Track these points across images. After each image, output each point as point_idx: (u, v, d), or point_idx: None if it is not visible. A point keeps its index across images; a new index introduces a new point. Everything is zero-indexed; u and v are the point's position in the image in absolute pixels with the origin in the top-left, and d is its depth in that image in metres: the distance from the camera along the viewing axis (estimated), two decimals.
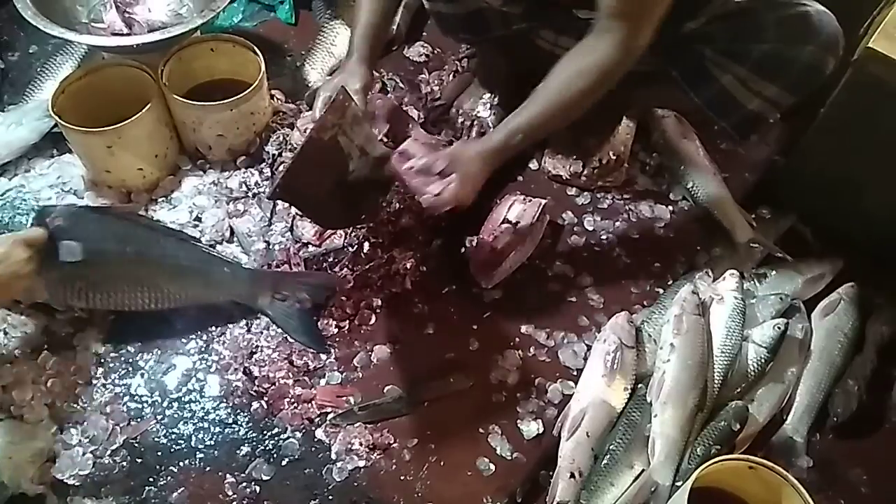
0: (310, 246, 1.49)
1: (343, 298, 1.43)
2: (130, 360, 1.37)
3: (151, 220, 1.49)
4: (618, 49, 1.20)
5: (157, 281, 1.36)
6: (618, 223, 1.62)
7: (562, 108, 1.26)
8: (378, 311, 1.45)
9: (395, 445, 1.30)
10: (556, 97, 1.25)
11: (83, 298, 1.34)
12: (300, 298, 1.40)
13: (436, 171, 1.24)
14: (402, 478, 1.28)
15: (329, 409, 1.33)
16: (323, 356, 1.39)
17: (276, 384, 1.34)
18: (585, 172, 1.64)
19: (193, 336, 1.40)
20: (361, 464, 1.28)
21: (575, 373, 1.39)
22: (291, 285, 1.41)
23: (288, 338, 1.39)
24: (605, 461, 1.26)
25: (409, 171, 1.25)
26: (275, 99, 1.70)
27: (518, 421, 1.34)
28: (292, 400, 1.33)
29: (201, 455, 1.28)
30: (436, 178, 1.24)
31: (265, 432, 1.31)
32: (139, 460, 1.27)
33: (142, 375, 1.35)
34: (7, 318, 1.36)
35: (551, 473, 1.27)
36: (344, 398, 1.34)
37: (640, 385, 1.35)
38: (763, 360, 1.35)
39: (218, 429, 1.31)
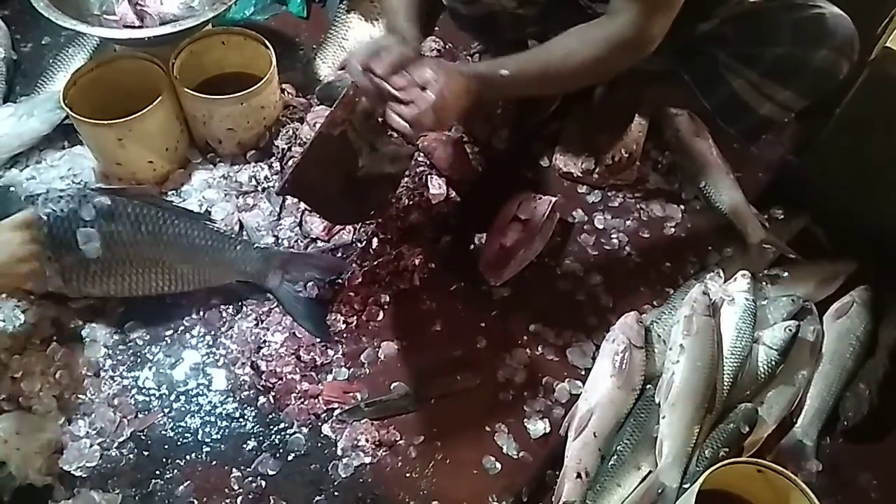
0: (318, 241, 1.49)
1: (351, 294, 1.43)
2: (138, 353, 1.37)
3: (164, 201, 1.50)
4: (629, 28, 1.15)
5: (170, 261, 1.36)
6: (629, 222, 1.61)
7: (557, 68, 1.19)
8: (386, 307, 1.44)
9: (401, 442, 1.30)
10: (557, 55, 1.19)
11: (98, 283, 1.34)
12: (309, 279, 1.40)
13: (414, 78, 1.10)
14: (407, 475, 1.28)
15: (336, 405, 1.33)
16: (330, 352, 1.38)
17: (284, 379, 1.34)
18: (597, 170, 1.63)
19: (201, 329, 1.40)
20: (367, 460, 1.28)
21: (583, 372, 1.39)
22: (301, 266, 1.41)
23: (296, 333, 1.39)
24: (611, 462, 1.25)
25: (385, 78, 1.10)
26: (285, 93, 1.69)
27: (525, 420, 1.34)
28: (299, 395, 1.33)
29: (208, 449, 1.28)
30: (412, 86, 1.10)
31: (272, 427, 1.31)
32: (146, 453, 1.27)
33: (150, 368, 1.36)
34: (16, 310, 1.37)
35: (557, 473, 1.26)
36: (351, 394, 1.34)
37: (648, 386, 1.34)
38: (773, 363, 1.34)
39: (225, 423, 1.31)
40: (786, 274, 1.50)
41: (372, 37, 1.84)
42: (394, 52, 1.11)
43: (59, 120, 1.59)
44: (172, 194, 1.55)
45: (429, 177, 1.50)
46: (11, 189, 1.53)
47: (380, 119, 1.17)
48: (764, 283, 1.48)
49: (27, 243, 1.23)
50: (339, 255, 1.46)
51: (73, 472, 1.23)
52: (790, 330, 1.35)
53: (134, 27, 1.61)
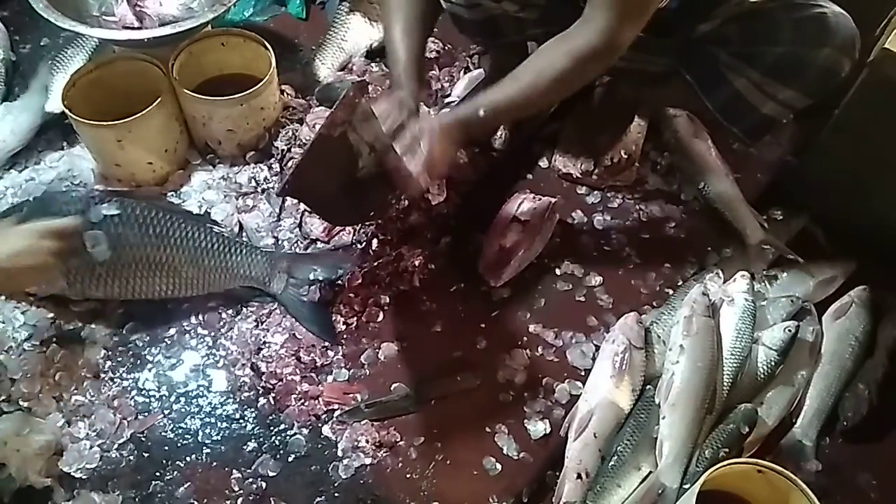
0: (318, 242, 1.49)
1: (351, 295, 1.43)
2: (138, 355, 1.37)
3: (171, 204, 1.50)
4: (597, 38, 1.17)
5: (176, 264, 1.36)
6: (628, 223, 1.61)
7: (532, 91, 1.22)
8: (386, 308, 1.44)
9: (401, 443, 1.30)
10: (526, 79, 1.22)
11: (102, 286, 1.34)
12: (313, 280, 1.40)
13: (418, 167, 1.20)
14: (408, 476, 1.28)
15: (336, 406, 1.33)
16: (331, 353, 1.38)
17: (284, 380, 1.34)
18: (596, 171, 1.64)
19: (201, 331, 1.40)
20: (367, 461, 1.28)
21: (583, 373, 1.39)
22: (306, 267, 1.41)
23: (296, 334, 1.39)
24: (612, 462, 1.25)
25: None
26: (285, 94, 1.70)
27: (525, 421, 1.34)
28: (299, 396, 1.33)
29: (208, 450, 1.28)
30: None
31: (272, 428, 1.31)
32: (146, 454, 1.27)
33: (149, 370, 1.36)
34: (16, 311, 1.37)
35: (558, 474, 1.26)
36: (351, 395, 1.34)
37: (648, 386, 1.34)
38: (773, 363, 1.34)
39: (225, 424, 1.31)
40: (785, 274, 1.51)
41: (371, 38, 1.85)
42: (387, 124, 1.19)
43: (44, 104, 1.60)
44: (172, 195, 1.55)
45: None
46: (65, 187, 1.53)
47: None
48: (763, 284, 1.49)
49: (51, 255, 1.16)
50: (341, 254, 1.46)
51: (72, 473, 1.23)
52: (789, 330, 1.35)
53: (133, 28, 1.61)
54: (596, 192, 1.65)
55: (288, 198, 1.51)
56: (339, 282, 1.42)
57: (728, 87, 1.41)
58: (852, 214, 1.55)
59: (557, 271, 1.53)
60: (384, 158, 1.24)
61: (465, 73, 1.81)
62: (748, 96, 1.40)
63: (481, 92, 1.25)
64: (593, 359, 1.39)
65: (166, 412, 1.32)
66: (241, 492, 1.24)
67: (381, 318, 1.44)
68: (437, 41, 1.89)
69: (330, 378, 1.36)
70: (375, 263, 1.44)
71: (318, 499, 1.25)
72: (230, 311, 1.42)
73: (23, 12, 1.79)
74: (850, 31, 1.32)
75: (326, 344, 1.39)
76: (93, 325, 1.38)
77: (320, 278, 1.40)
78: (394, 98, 1.25)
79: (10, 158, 1.59)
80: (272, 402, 1.33)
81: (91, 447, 1.26)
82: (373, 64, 1.83)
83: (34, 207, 1.35)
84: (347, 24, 1.85)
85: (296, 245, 1.49)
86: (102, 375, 1.34)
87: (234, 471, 1.26)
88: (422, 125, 1.22)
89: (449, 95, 1.76)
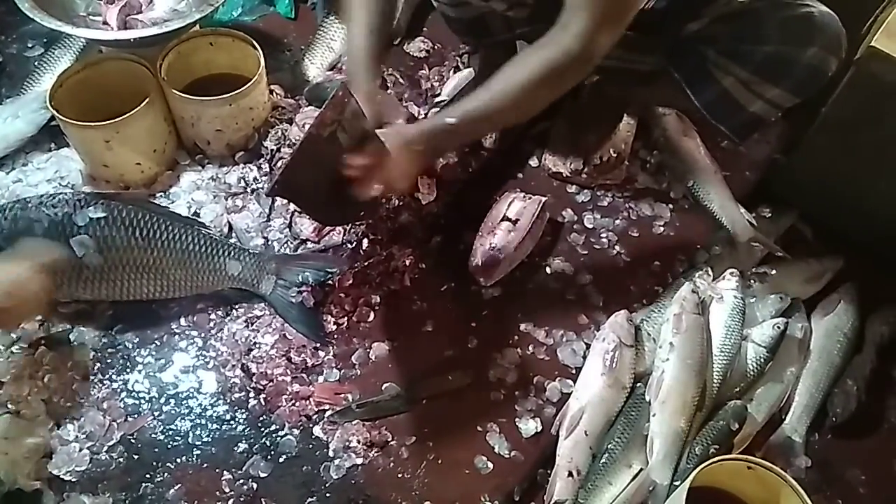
0: (308, 242, 1.48)
1: (342, 295, 1.42)
2: (128, 356, 1.36)
3: (159, 206, 1.49)
4: (573, 43, 1.13)
5: (164, 266, 1.36)
6: (618, 221, 1.61)
7: (504, 100, 1.19)
8: (377, 308, 1.44)
9: (392, 443, 1.30)
10: (498, 88, 1.19)
11: (89, 288, 1.34)
12: (302, 282, 1.39)
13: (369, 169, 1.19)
14: (399, 475, 1.27)
15: (327, 407, 1.32)
16: (321, 353, 1.38)
17: (274, 381, 1.34)
18: (586, 170, 1.64)
19: (191, 332, 1.40)
20: (359, 461, 1.28)
21: (574, 371, 1.39)
22: (295, 269, 1.41)
23: (286, 335, 1.39)
24: (603, 460, 1.26)
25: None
26: (274, 94, 1.69)
27: (516, 419, 1.34)
28: (290, 397, 1.33)
29: (198, 452, 1.28)
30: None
31: (263, 429, 1.30)
32: (136, 456, 1.26)
33: (139, 371, 1.35)
34: None
35: (549, 472, 1.27)
36: (342, 395, 1.34)
37: (638, 384, 1.35)
38: (762, 360, 1.35)
39: (215, 425, 1.30)
40: (774, 272, 1.51)
41: None
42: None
43: (44, 121, 1.58)
44: (161, 196, 1.55)
45: (419, 177, 1.50)
46: (53, 188, 1.52)
47: None
48: (752, 281, 1.50)
49: (44, 291, 1.18)
50: (331, 255, 1.45)
51: (62, 476, 1.22)
52: (778, 327, 1.36)
53: (119, 29, 1.60)
54: (586, 190, 1.66)
55: (277, 198, 1.51)
56: (330, 282, 1.42)
57: (716, 85, 1.42)
58: (840, 212, 1.56)
59: (548, 270, 1.53)
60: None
61: (454, 72, 1.81)
62: (736, 95, 1.41)
63: (454, 102, 1.23)
64: (584, 357, 1.39)
65: (156, 414, 1.31)
66: (232, 493, 1.24)
67: (371, 317, 1.43)
68: (427, 41, 1.89)
69: (321, 378, 1.36)
70: (366, 263, 1.44)
71: (310, 499, 1.24)
72: (220, 312, 1.42)
73: (9, 12, 1.77)
74: (836, 30, 1.33)
75: (317, 344, 1.39)
76: (81, 327, 1.38)
77: (310, 280, 1.40)
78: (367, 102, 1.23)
79: None
80: (263, 403, 1.32)
81: (80, 449, 1.25)
82: None
83: (20, 227, 1.32)
84: (336, 24, 1.85)
85: (286, 245, 1.49)
86: (91, 377, 1.33)
87: (225, 472, 1.26)
88: (385, 136, 1.20)
89: (439, 95, 1.76)
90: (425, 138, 1.23)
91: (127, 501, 1.22)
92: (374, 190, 1.20)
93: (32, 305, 1.20)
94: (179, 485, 1.24)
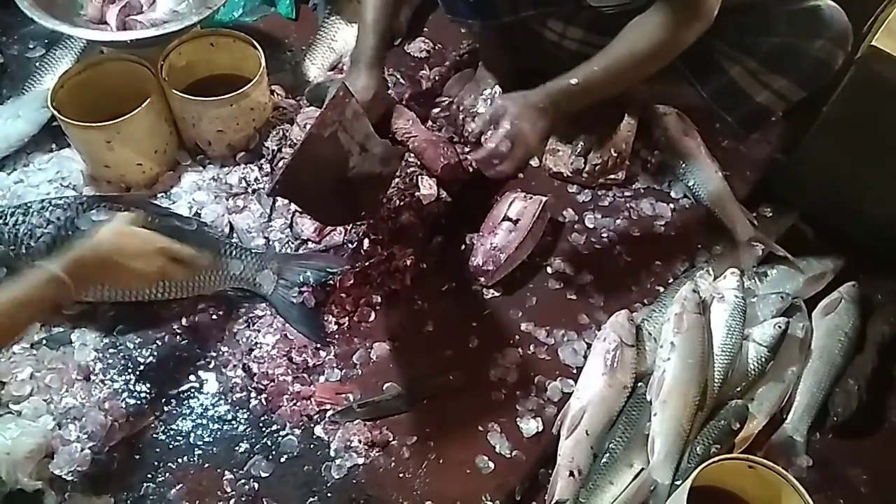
0: (309, 242, 1.48)
1: (343, 295, 1.43)
2: (129, 356, 1.36)
3: (162, 207, 1.49)
4: (685, 7, 1.19)
5: None
6: (618, 221, 1.61)
7: (627, 61, 1.25)
8: (378, 308, 1.44)
9: (394, 443, 1.30)
10: (621, 50, 1.24)
11: (94, 290, 1.34)
12: (304, 281, 1.39)
13: (499, 144, 1.23)
14: (400, 475, 1.28)
15: (328, 406, 1.33)
16: (322, 353, 1.38)
17: (276, 381, 1.34)
18: (587, 170, 1.64)
19: (192, 332, 1.40)
20: (360, 461, 1.28)
21: (575, 371, 1.39)
22: (296, 269, 1.41)
23: (287, 335, 1.39)
24: (604, 460, 1.26)
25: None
26: (275, 94, 1.69)
27: (517, 419, 1.34)
28: (291, 397, 1.33)
29: (200, 451, 1.28)
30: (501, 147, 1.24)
31: (264, 429, 1.30)
32: (137, 457, 1.27)
33: (140, 372, 1.35)
34: None
35: (550, 472, 1.26)
36: (343, 395, 1.34)
37: (639, 384, 1.35)
38: (763, 359, 1.35)
39: (216, 425, 1.31)
40: (774, 271, 1.51)
41: None
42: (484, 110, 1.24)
43: (45, 120, 1.59)
44: (162, 197, 1.55)
45: (419, 177, 1.50)
46: (55, 189, 1.52)
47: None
48: (753, 281, 1.49)
49: (157, 272, 1.20)
50: (332, 255, 1.45)
51: (63, 476, 1.23)
52: (779, 327, 1.36)
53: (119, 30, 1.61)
54: (587, 190, 1.66)
55: (279, 198, 1.51)
56: (331, 282, 1.42)
57: (723, 74, 1.42)
58: (841, 211, 1.56)
59: (549, 270, 1.53)
60: (383, 161, 1.24)
61: (455, 72, 1.81)
62: (743, 84, 1.41)
63: (572, 70, 1.26)
64: (585, 356, 1.39)
65: (157, 414, 1.31)
66: (234, 493, 1.24)
67: (372, 317, 1.43)
68: (427, 41, 1.89)
69: (322, 378, 1.36)
70: (367, 263, 1.44)
71: (311, 499, 1.24)
72: (221, 312, 1.42)
73: (10, 13, 1.78)
74: (843, 23, 1.34)
75: (318, 344, 1.39)
76: (83, 328, 1.38)
77: (311, 280, 1.40)
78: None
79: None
80: (264, 403, 1.32)
81: (82, 449, 1.25)
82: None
83: (22, 233, 1.33)
84: (337, 24, 1.85)
85: (287, 245, 1.49)
86: (93, 378, 1.33)
87: (227, 472, 1.26)
88: (504, 104, 1.24)
89: (439, 94, 1.76)
90: (549, 98, 1.26)
91: (128, 501, 1.22)
92: (517, 160, 1.24)
93: (141, 279, 1.21)
94: (181, 485, 1.24)
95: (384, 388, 1.35)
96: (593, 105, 1.32)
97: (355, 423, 1.31)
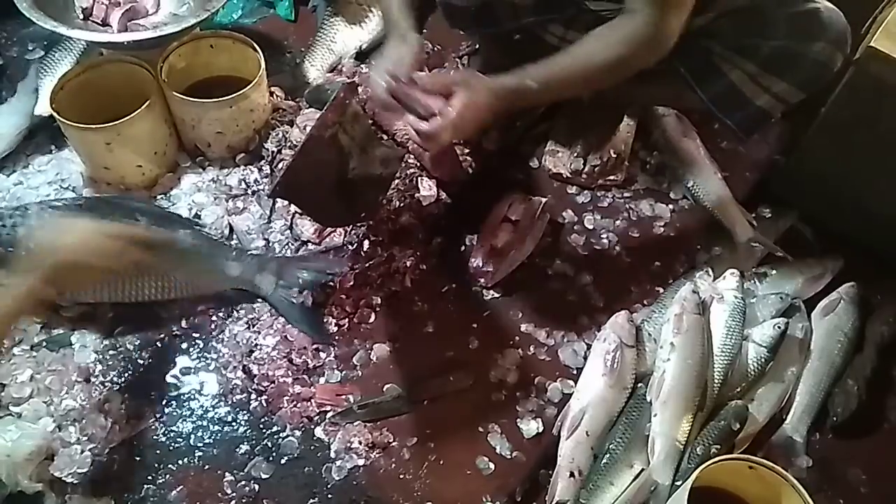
0: (309, 244, 1.48)
1: (343, 297, 1.42)
2: (129, 358, 1.36)
3: (159, 208, 1.49)
4: (646, 26, 1.19)
5: (164, 269, 1.35)
6: (618, 222, 1.61)
7: (582, 71, 1.24)
8: (378, 309, 1.44)
9: (394, 444, 1.30)
10: (577, 60, 1.23)
11: (91, 291, 1.34)
12: (303, 284, 1.40)
13: (439, 90, 1.18)
14: (401, 476, 1.28)
15: (328, 408, 1.33)
16: (322, 354, 1.38)
17: (276, 382, 1.34)
18: (586, 171, 1.64)
19: (192, 334, 1.40)
20: (361, 462, 1.28)
21: (575, 372, 1.39)
22: (295, 270, 1.41)
23: (288, 336, 1.39)
24: (604, 460, 1.26)
25: (411, 90, 1.18)
26: (274, 96, 1.69)
27: (518, 420, 1.34)
28: (291, 398, 1.33)
29: (200, 453, 1.28)
30: (437, 99, 1.17)
31: (264, 431, 1.30)
32: (138, 458, 1.27)
33: (140, 373, 1.35)
34: None
35: (551, 472, 1.26)
36: (343, 396, 1.34)
37: (640, 384, 1.35)
38: (763, 360, 1.35)
39: (217, 427, 1.31)
40: (774, 272, 1.52)
41: (360, 40, 1.85)
42: (417, 59, 1.19)
43: (33, 106, 1.58)
44: (162, 198, 1.55)
45: (419, 179, 1.50)
46: (54, 191, 1.52)
47: (372, 125, 1.18)
48: (752, 281, 1.50)
49: (116, 258, 1.14)
50: (331, 257, 1.46)
51: (64, 478, 1.22)
52: (779, 327, 1.36)
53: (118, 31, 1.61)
54: (586, 191, 1.66)
55: (278, 199, 1.51)
56: (331, 283, 1.42)
57: (723, 78, 1.42)
58: (840, 211, 1.56)
59: (549, 271, 1.53)
60: (383, 163, 1.23)
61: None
62: (743, 88, 1.41)
63: (528, 67, 1.23)
64: (585, 357, 1.39)
65: (158, 416, 1.31)
66: (234, 495, 1.24)
67: (372, 319, 1.43)
68: (427, 42, 1.89)
69: (322, 379, 1.36)
70: (367, 264, 1.44)
71: (312, 500, 1.24)
72: (221, 314, 1.42)
73: (9, 15, 1.77)
74: (842, 25, 1.35)
75: (318, 345, 1.39)
76: (83, 329, 1.38)
77: (311, 281, 1.40)
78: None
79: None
80: (264, 405, 1.32)
81: (82, 451, 1.25)
82: (362, 65, 1.82)
83: (21, 235, 1.30)
84: (336, 25, 1.85)
85: (287, 247, 1.49)
86: (93, 379, 1.33)
87: (227, 473, 1.26)
88: (461, 89, 1.18)
89: None
90: (505, 95, 1.23)
91: (128, 503, 1.22)
92: (444, 133, 1.17)
93: (99, 271, 1.14)
94: (181, 486, 1.24)
95: (384, 389, 1.35)
96: (593, 105, 1.32)
97: (355, 424, 1.31)
